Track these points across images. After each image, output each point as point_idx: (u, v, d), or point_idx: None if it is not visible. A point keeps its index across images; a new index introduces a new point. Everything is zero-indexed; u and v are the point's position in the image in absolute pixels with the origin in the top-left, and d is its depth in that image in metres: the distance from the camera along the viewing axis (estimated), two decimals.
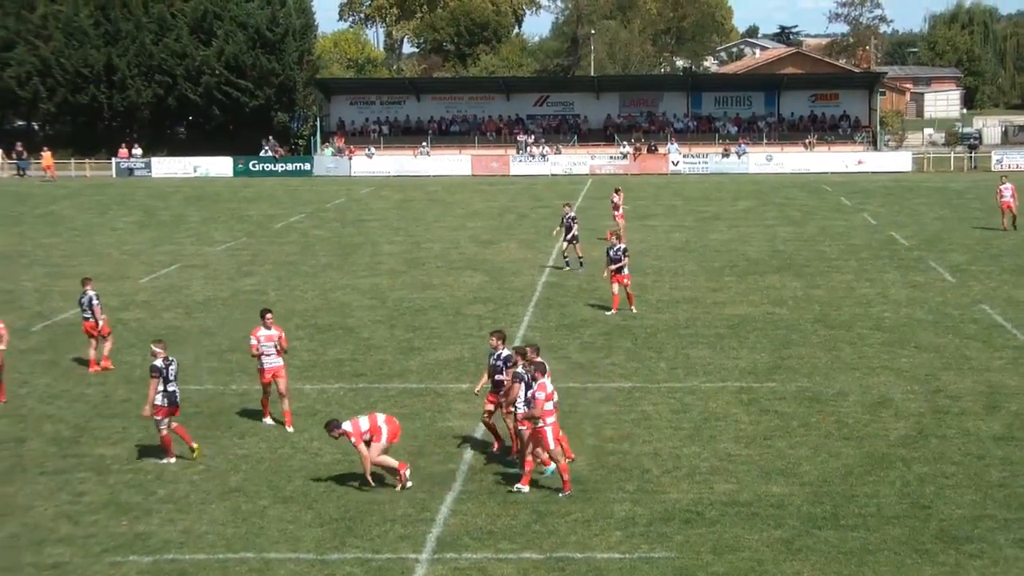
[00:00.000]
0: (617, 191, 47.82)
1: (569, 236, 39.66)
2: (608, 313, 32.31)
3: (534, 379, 19.05)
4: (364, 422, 19.11)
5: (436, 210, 59.94)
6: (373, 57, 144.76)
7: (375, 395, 24.61)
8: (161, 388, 20.31)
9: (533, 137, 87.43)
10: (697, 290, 36.10)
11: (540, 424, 18.66)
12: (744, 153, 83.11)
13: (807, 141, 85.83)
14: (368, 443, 18.93)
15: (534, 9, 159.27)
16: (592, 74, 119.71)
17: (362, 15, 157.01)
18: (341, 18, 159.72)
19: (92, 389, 25.51)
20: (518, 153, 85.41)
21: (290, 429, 22.26)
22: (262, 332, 22.53)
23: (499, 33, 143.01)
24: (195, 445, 20.71)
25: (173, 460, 20.52)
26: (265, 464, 20.39)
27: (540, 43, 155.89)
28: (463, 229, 51.64)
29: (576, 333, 30.29)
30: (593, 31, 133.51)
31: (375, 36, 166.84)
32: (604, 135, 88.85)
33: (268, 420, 22.70)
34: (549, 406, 18.76)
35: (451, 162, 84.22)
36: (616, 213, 46.81)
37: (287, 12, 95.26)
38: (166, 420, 20.44)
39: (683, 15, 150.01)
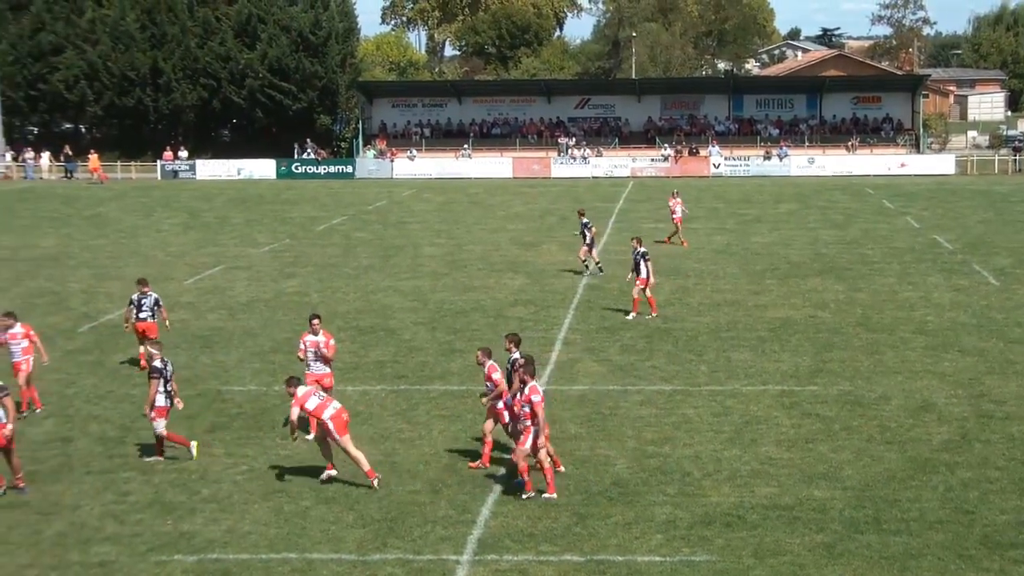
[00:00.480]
0: (675, 194, 47.68)
1: (588, 241, 39.78)
2: (648, 316, 32.32)
3: (524, 382, 18.91)
4: (314, 402, 19.28)
5: (477, 212, 60.09)
6: (415, 60, 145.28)
7: (416, 397, 24.70)
8: (162, 388, 20.63)
9: (574, 140, 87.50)
10: (738, 293, 36.04)
11: (528, 424, 18.64)
12: (786, 156, 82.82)
13: (849, 144, 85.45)
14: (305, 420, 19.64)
15: (575, 12, 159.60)
16: (633, 77, 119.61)
17: (404, 18, 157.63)
18: (383, 21, 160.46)
19: (137, 390, 25.63)
20: (559, 156, 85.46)
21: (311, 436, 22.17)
22: (308, 337, 22.49)
23: (540, 36, 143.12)
24: (194, 443, 21.05)
25: (163, 459, 20.72)
26: (307, 465, 20.47)
27: (581, 46, 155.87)
28: (504, 231, 51.74)
29: (617, 336, 30.30)
30: (634, 34, 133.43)
31: (417, 39, 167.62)
32: (645, 138, 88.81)
33: (311, 436, 21.43)
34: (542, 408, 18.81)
35: (492, 164, 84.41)
36: (674, 216, 46.70)
37: (330, 15, 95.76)
38: (164, 420, 20.68)
39: (724, 17, 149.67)
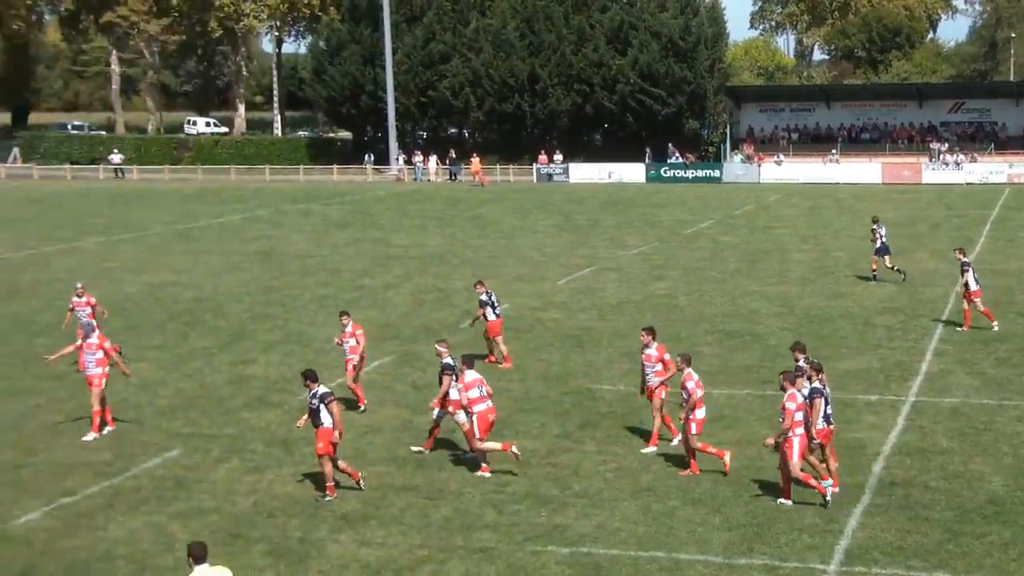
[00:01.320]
0: None
1: (876, 249, 38.95)
2: (959, 330, 31.30)
3: (783, 388, 18.85)
4: (475, 393, 20.41)
5: (845, 218, 59.04)
6: (783, 64, 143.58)
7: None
8: (454, 383, 21.43)
9: (947, 145, 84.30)
10: None
11: (789, 435, 18.54)
12: None
13: None
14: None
15: (950, 13, 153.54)
16: (1011, 79, 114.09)
17: (773, 23, 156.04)
18: (752, 26, 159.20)
19: (514, 384, 26.84)
20: (930, 161, 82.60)
21: (652, 448, 22.02)
22: (645, 351, 22.21)
23: (912, 38, 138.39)
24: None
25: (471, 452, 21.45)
26: (675, 466, 20.90)
27: (956, 48, 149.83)
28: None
29: (990, 347, 29.32)
30: (1013, 34, 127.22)
31: (785, 43, 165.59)
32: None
33: (674, 441, 22.07)
34: (800, 416, 18.59)
35: (861, 170, 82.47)
36: None
37: (699, 21, 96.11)
38: (462, 411, 21.43)
39: None
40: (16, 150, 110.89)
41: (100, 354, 23.31)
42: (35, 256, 49.12)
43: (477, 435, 20.53)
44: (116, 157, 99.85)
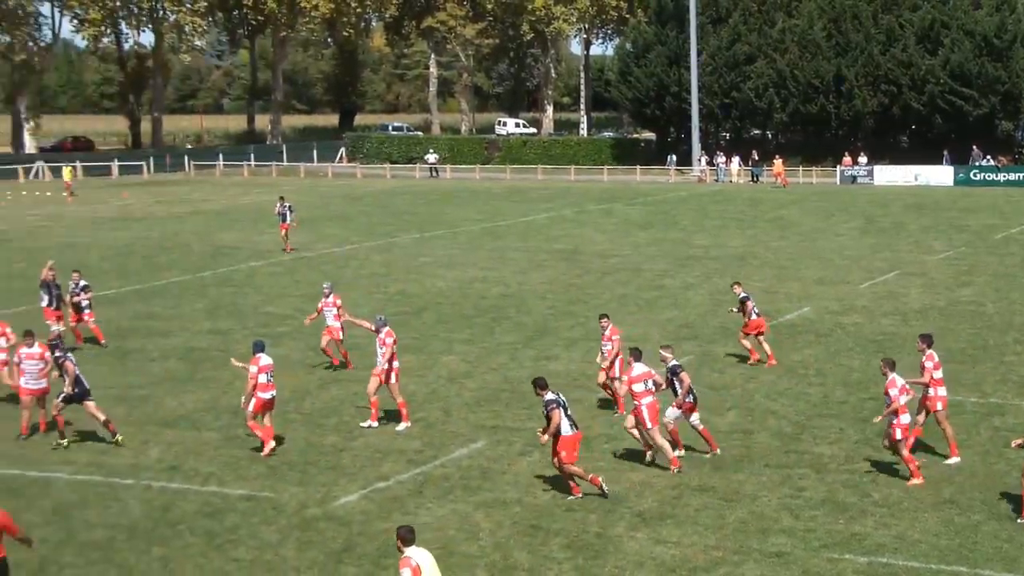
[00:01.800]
0: None
1: None
2: None
3: None
4: (640, 387, 20.84)
5: None
6: None
7: None
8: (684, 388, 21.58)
9: None
10: None
11: None
12: None
13: None
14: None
15: None
16: None
17: None
18: None
19: (813, 389, 26.73)
20: None
21: (955, 459, 21.44)
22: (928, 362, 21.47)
23: None
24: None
25: (681, 452, 21.50)
26: (978, 478, 20.42)
27: None
28: None
29: None
30: None
31: None
32: None
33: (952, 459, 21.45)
34: None
35: None
36: None
37: (1016, 18, 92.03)
38: (678, 413, 21.68)
39: None
40: (343, 150, 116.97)
41: (384, 349, 24.07)
42: (356, 251, 51.66)
43: (649, 424, 20.87)
44: (431, 157, 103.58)
